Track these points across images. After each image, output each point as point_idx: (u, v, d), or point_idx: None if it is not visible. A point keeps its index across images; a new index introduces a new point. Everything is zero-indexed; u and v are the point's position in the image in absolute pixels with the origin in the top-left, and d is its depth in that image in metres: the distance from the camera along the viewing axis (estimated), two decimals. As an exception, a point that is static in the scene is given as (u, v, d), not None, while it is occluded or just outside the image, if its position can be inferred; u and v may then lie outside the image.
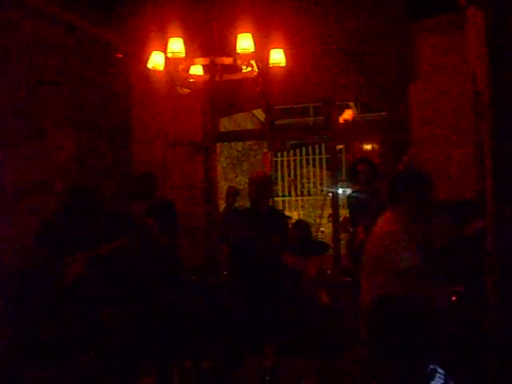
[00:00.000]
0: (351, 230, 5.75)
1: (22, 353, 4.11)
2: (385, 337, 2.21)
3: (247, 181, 5.23)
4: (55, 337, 4.12)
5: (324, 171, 11.90)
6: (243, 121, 10.00)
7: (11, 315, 4.37)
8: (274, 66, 3.99)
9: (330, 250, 6.46)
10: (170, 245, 4.89)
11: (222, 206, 7.64)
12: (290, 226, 5.76)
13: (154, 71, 3.98)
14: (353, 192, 6.07)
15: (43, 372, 3.75)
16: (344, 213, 6.87)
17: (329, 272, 6.16)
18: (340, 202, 7.10)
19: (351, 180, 5.97)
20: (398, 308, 2.34)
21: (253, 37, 3.71)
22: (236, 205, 7.42)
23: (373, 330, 2.38)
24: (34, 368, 3.86)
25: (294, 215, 11.09)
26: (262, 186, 4.84)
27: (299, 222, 6.55)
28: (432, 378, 1.98)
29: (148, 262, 4.75)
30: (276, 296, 4.65)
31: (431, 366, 2.03)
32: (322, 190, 11.96)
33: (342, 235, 6.53)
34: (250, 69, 3.95)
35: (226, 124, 8.12)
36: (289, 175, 12.41)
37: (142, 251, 4.73)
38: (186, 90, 4.20)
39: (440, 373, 2.01)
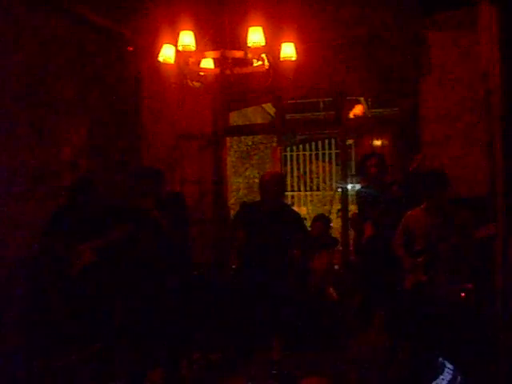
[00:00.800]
0: (359, 226, 5.75)
1: (31, 342, 4.14)
2: (400, 329, 2.22)
3: (256, 175, 5.26)
4: (65, 325, 4.15)
5: (333, 166, 11.86)
6: (253, 115, 9.98)
7: (21, 304, 4.40)
8: (284, 60, 3.98)
9: (339, 246, 6.48)
10: (181, 238, 4.90)
11: (232, 199, 7.65)
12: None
13: (165, 64, 3.98)
14: (361, 187, 6.06)
15: (53, 361, 3.78)
16: (353, 208, 6.87)
17: (337, 267, 6.17)
18: (349, 198, 7.10)
19: (361, 175, 5.94)
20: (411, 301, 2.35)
21: (264, 30, 3.71)
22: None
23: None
24: (44, 357, 3.89)
25: (303, 210, 11.09)
26: (271, 188, 4.86)
27: (321, 216, 6.61)
28: (441, 372, 1.99)
29: (157, 253, 4.77)
30: (286, 288, 4.69)
31: (440, 361, 2.03)
32: (331, 186, 11.95)
33: (351, 231, 6.53)
34: (260, 63, 3.94)
35: (235, 118, 8.11)
36: (298, 170, 12.39)
37: (150, 243, 4.75)
38: (197, 84, 4.20)
39: (449, 368, 2.02)
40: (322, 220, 6.48)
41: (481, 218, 4.53)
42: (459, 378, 2.03)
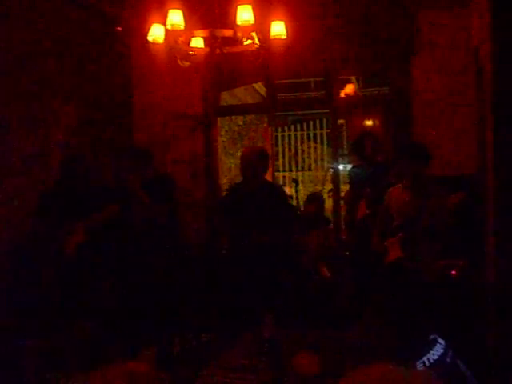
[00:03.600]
0: (350, 204, 5.77)
1: (22, 322, 4.15)
2: (389, 305, 2.24)
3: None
4: (56, 305, 4.17)
5: (325, 146, 11.87)
6: (244, 95, 9.95)
7: (12, 285, 4.42)
8: (274, 39, 3.95)
9: (331, 225, 6.50)
10: (168, 218, 4.90)
11: (224, 180, 7.64)
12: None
13: (154, 44, 3.95)
14: (353, 167, 6.07)
15: (44, 341, 3.80)
16: (345, 188, 6.88)
17: (329, 246, 6.19)
18: (341, 178, 7.11)
19: (356, 154, 5.93)
20: (402, 277, 2.36)
21: (253, 8, 3.68)
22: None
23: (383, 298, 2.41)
24: (35, 337, 3.91)
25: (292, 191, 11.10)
26: (251, 163, 4.79)
27: (314, 196, 6.59)
28: (432, 347, 2.00)
29: (142, 233, 4.77)
30: (276, 267, 4.70)
31: (432, 336, 2.05)
32: (322, 166, 11.96)
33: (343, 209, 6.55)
34: (250, 41, 3.91)
35: (226, 98, 8.08)
36: (289, 150, 12.39)
37: (136, 222, 4.76)
38: (186, 63, 4.17)
39: (440, 343, 2.03)
40: (317, 199, 6.45)
41: (471, 195, 4.55)
42: (450, 352, 2.05)
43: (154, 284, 4.66)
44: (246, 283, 4.65)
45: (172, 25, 3.75)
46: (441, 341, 2.06)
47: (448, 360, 2.00)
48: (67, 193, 4.59)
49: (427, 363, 1.96)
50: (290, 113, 11.55)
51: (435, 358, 1.99)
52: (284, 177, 12.07)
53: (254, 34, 3.85)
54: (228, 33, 3.82)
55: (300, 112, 11.11)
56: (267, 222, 4.72)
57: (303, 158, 12.48)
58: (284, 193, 5.27)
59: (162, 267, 4.80)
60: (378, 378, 1.06)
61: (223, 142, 9.50)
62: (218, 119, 7.39)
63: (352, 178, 5.98)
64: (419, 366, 1.95)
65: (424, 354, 1.99)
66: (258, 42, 3.90)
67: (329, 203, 7.15)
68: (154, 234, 4.79)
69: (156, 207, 4.75)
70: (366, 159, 5.68)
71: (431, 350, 2.01)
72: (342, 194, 6.71)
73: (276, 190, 5.21)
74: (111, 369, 1.18)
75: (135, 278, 4.65)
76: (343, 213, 6.56)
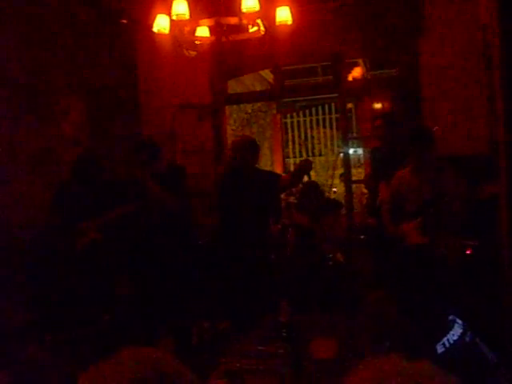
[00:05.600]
0: (371, 186, 5.72)
1: (42, 317, 4.19)
2: (407, 287, 2.24)
3: (257, 143, 5.21)
4: (70, 302, 4.20)
5: (334, 131, 11.84)
6: (251, 83, 9.92)
7: (30, 281, 4.45)
8: (280, 25, 3.93)
9: (343, 209, 6.47)
10: (181, 208, 4.91)
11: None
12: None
13: (160, 35, 3.94)
14: (374, 148, 6.01)
15: (64, 335, 3.84)
16: (355, 172, 6.86)
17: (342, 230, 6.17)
18: (351, 162, 7.08)
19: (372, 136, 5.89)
20: (420, 259, 2.35)
21: (257, -5, 3.66)
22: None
23: (397, 280, 2.41)
24: (54, 331, 3.95)
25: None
26: (240, 152, 4.83)
27: (308, 187, 6.49)
28: (451, 327, 2.01)
29: (157, 225, 4.78)
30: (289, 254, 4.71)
31: (450, 317, 2.05)
32: (332, 150, 11.93)
33: (357, 193, 6.49)
34: (256, 28, 3.89)
35: (234, 86, 8.06)
36: (299, 137, 12.37)
37: (150, 216, 4.77)
38: (193, 53, 4.16)
39: (458, 323, 2.03)
40: (308, 192, 6.30)
41: (483, 175, 4.52)
42: (469, 333, 2.05)
43: (168, 275, 4.67)
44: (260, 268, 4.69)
45: (177, 15, 3.73)
46: (459, 321, 2.06)
47: (467, 340, 2.00)
48: (81, 190, 4.61)
49: (447, 344, 1.96)
50: (299, 98, 11.52)
51: (455, 338, 1.99)
52: (295, 163, 12.05)
53: (259, 21, 3.82)
54: (233, 20, 3.80)
55: (308, 97, 11.06)
56: (254, 210, 4.77)
57: (313, 144, 12.45)
58: (276, 178, 5.18)
59: (176, 258, 4.81)
60: (384, 371, 1.05)
61: (232, 130, 9.49)
62: (226, 108, 7.38)
63: (372, 159, 5.92)
64: (440, 347, 1.95)
65: (444, 336, 1.99)
66: (263, 29, 3.87)
67: (340, 188, 7.14)
68: (167, 225, 4.80)
69: (168, 196, 4.75)
70: (380, 141, 5.63)
71: (450, 330, 2.01)
72: (354, 178, 6.68)
73: (269, 176, 5.22)
74: (123, 354, 1.17)
75: (150, 270, 4.66)
76: (355, 196, 6.54)
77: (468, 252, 4.38)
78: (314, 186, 6.25)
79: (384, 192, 5.19)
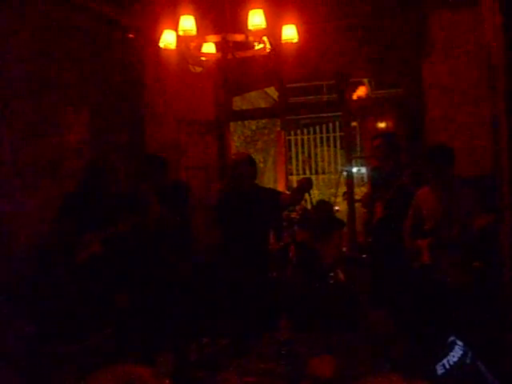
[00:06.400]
0: (369, 206, 5.72)
1: (42, 328, 4.18)
2: (409, 308, 2.23)
3: (261, 159, 5.22)
4: (75, 311, 4.19)
5: (338, 149, 11.87)
6: (256, 100, 9.96)
7: (32, 292, 4.44)
8: (286, 43, 3.95)
9: (345, 228, 6.46)
10: (181, 224, 4.90)
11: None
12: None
13: (166, 50, 3.96)
14: (372, 169, 6.02)
15: (64, 347, 3.82)
16: (358, 191, 6.85)
17: (344, 249, 6.16)
18: (355, 181, 7.08)
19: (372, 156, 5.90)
20: (422, 281, 2.35)
21: (264, 13, 3.68)
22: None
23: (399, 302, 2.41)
24: (55, 343, 3.93)
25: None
26: (238, 169, 4.81)
27: (321, 204, 6.50)
28: (451, 349, 1.99)
29: (158, 240, 4.78)
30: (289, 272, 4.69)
31: (451, 338, 2.04)
32: (336, 169, 11.95)
33: (360, 212, 6.49)
34: (262, 45, 3.91)
35: (239, 103, 8.10)
36: (302, 154, 12.39)
37: (151, 230, 4.76)
38: (199, 69, 4.19)
39: (459, 345, 2.02)
40: (321, 209, 6.31)
41: (486, 196, 4.51)
42: (470, 354, 2.03)
43: (169, 291, 4.66)
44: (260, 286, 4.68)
45: (184, 30, 3.76)
46: (459, 343, 2.04)
47: (468, 361, 1.99)
48: (87, 200, 4.59)
49: (447, 365, 1.94)
50: (303, 116, 11.56)
51: (455, 360, 1.97)
52: (297, 180, 12.06)
53: (265, 38, 3.84)
54: (240, 37, 3.82)
55: (312, 115, 11.10)
56: (254, 227, 4.76)
57: (316, 162, 12.48)
58: (275, 194, 5.13)
59: (177, 274, 4.80)
60: None
61: (237, 146, 9.51)
62: (231, 124, 7.41)
63: (370, 178, 5.93)
64: (439, 368, 1.93)
65: (444, 357, 1.97)
66: (269, 46, 3.89)
67: (343, 206, 7.12)
68: (166, 240, 4.79)
69: (167, 215, 4.75)
70: (378, 161, 5.63)
71: (451, 352, 2.00)
72: (357, 197, 6.67)
73: (267, 192, 5.16)
74: (107, 372, 1.17)
75: (150, 286, 4.65)
76: (358, 215, 6.53)
77: (473, 274, 4.37)
78: (324, 203, 6.28)
79: (380, 212, 5.22)
